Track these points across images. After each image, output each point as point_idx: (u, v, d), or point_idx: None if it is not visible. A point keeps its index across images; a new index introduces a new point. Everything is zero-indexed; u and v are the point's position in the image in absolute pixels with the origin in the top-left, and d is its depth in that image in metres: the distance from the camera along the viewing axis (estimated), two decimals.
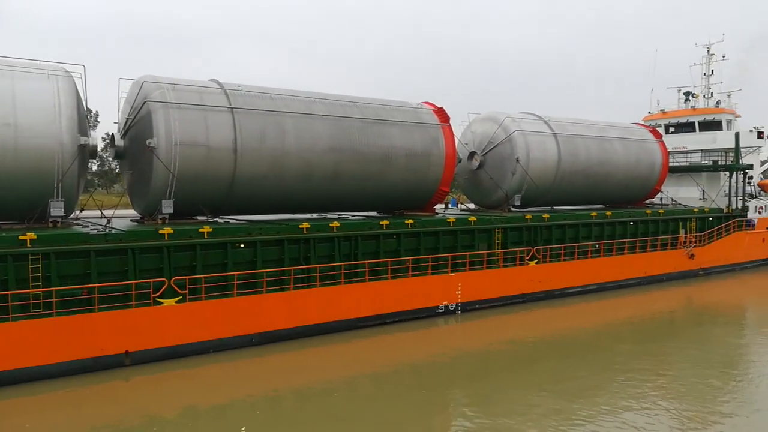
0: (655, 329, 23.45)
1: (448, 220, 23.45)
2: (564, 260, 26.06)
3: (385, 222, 21.52)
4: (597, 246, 27.54)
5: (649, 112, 40.16)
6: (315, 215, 23.63)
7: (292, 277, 18.60)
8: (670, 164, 36.29)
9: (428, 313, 22.00)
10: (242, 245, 18.16)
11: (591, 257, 27.04)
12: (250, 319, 17.72)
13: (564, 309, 24.85)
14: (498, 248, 24.44)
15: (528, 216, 25.74)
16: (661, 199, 35.22)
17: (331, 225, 20.10)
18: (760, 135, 37.55)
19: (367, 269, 20.32)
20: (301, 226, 19.39)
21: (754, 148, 37.22)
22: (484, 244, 24.35)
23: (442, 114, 24.89)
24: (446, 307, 22.40)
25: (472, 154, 28.28)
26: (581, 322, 23.74)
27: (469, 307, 22.95)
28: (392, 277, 20.98)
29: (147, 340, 16.16)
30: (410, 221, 22.27)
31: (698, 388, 15.59)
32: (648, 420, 13.33)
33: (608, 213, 28.68)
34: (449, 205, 32.37)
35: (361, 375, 16.90)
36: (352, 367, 17.60)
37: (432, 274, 22.11)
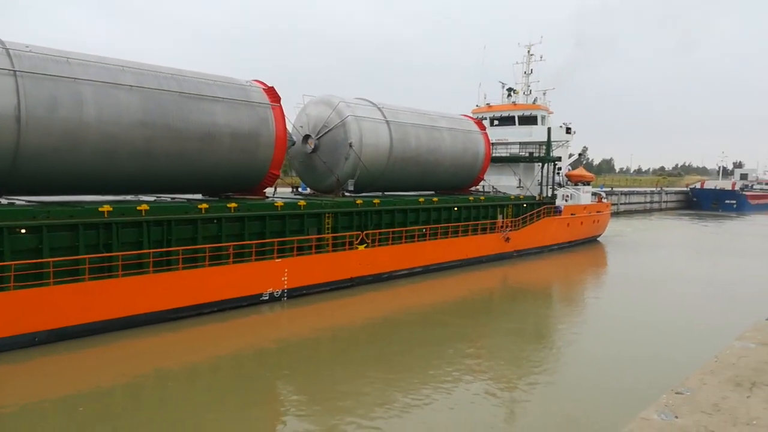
0: (476, 306, 25.32)
1: (275, 204, 22.66)
2: (392, 244, 26.71)
3: (204, 206, 20.11)
4: (424, 230, 28.66)
5: (477, 105, 42.89)
6: (130, 197, 21.37)
7: (87, 266, 16.50)
8: (493, 155, 39.12)
9: (252, 301, 21.11)
10: (23, 230, 15.65)
11: (418, 241, 28.07)
12: (32, 316, 15.38)
13: (391, 291, 25.53)
14: (328, 233, 24.25)
15: (359, 201, 25.89)
16: (483, 186, 37.82)
17: (138, 208, 18.21)
18: (568, 130, 42.05)
19: (181, 257, 18.82)
20: (101, 209, 17.26)
21: (563, 142, 41.57)
22: (314, 228, 24.00)
23: (272, 93, 23.86)
24: (271, 294, 21.68)
25: (306, 138, 27.70)
26: (407, 303, 24.58)
27: (296, 293, 22.48)
28: (211, 265, 19.71)
29: None
30: (233, 205, 21.09)
31: (513, 355, 17.53)
32: (469, 385, 14.76)
33: (435, 199, 29.99)
34: (299, 189, 31.37)
35: (173, 370, 15.58)
36: (163, 362, 16.18)
37: (257, 260, 21.22)
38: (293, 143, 26.56)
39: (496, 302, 26.92)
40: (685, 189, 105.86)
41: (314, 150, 27.51)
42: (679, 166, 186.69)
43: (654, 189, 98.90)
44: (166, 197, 22.60)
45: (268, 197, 24.69)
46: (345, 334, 20.08)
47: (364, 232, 25.48)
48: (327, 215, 24.31)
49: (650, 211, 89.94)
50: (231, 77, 23.77)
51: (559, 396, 14.50)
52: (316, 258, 23.22)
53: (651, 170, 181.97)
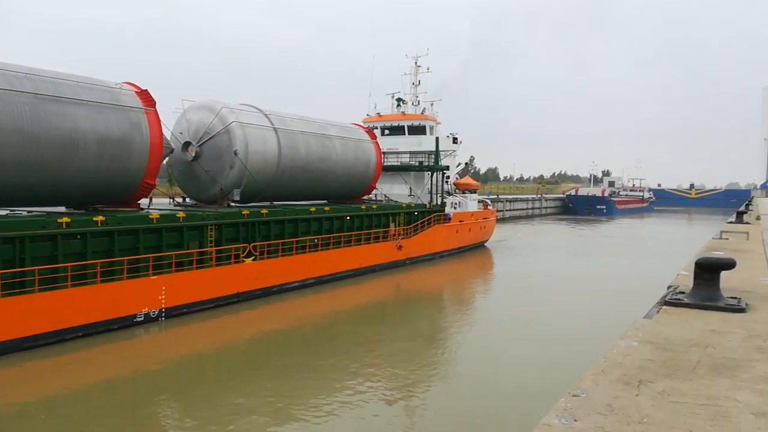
0: (371, 314, 25.21)
1: (150, 216, 20.89)
2: (282, 256, 25.71)
3: (65, 219, 18.02)
4: (316, 241, 27.94)
5: (368, 115, 43.03)
6: None
7: None
8: (384, 163, 39.34)
9: (124, 323, 19.19)
10: None
11: (309, 252, 27.29)
12: None
13: (282, 305, 24.52)
14: (211, 246, 22.78)
15: (245, 212, 24.65)
16: (375, 195, 37.86)
17: None
18: (455, 140, 43.37)
19: (36, 277, 16.64)
20: None
21: (450, 152, 42.79)
22: (195, 242, 22.44)
23: (146, 97, 22.10)
24: (147, 314, 19.88)
25: (186, 145, 26.00)
26: (300, 315, 23.84)
27: (175, 313, 20.80)
28: (74, 285, 17.65)
29: None
30: (101, 218, 19.12)
31: (407, 359, 17.71)
32: (368, 394, 14.71)
33: (327, 208, 29.40)
34: (187, 200, 28.89)
35: (32, 404, 13.62)
36: (21, 395, 14.14)
37: (129, 278, 19.36)
38: (171, 151, 24.82)
39: (391, 310, 26.87)
40: (562, 196, 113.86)
41: (195, 158, 25.88)
42: (556, 174, 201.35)
43: (535, 196, 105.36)
44: (22, 211, 20.06)
45: (142, 209, 22.77)
46: (233, 352, 18.85)
47: (251, 244, 24.27)
48: (210, 227, 22.85)
49: (532, 216, 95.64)
50: (98, 79, 21.71)
51: (456, 396, 14.87)
52: (197, 274, 21.68)
53: (531, 178, 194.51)
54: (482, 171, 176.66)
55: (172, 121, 26.90)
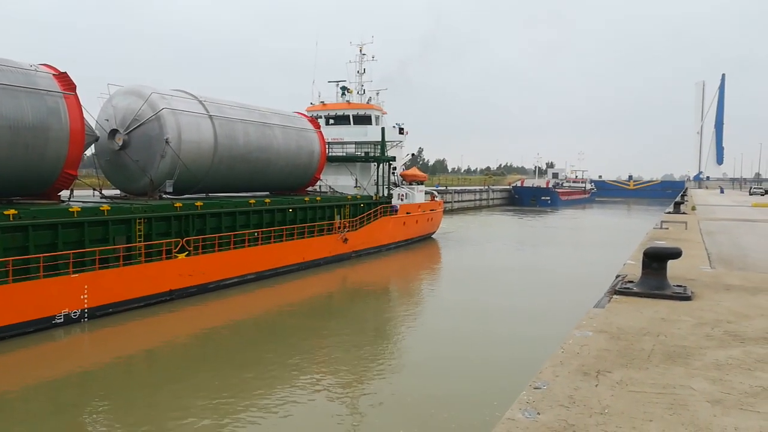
0: (315, 308, 24.43)
1: (70, 209, 19.26)
2: (219, 251, 24.43)
3: None
4: (256, 234, 26.75)
5: (311, 103, 41.83)
6: None
7: None
8: (329, 154, 38.34)
9: (41, 326, 17.61)
10: None
11: (249, 246, 26.08)
12: None
13: (219, 302, 23.29)
14: (140, 241, 21.30)
15: (178, 204, 23.23)
16: (320, 187, 36.84)
17: None
18: (401, 131, 42.78)
19: None
20: None
21: (396, 142, 42.17)
22: (122, 237, 20.92)
23: (65, 80, 20.36)
24: (67, 315, 18.33)
25: (113, 133, 24.28)
26: (238, 313, 22.77)
27: (99, 313, 19.30)
28: None
29: None
30: (12, 212, 17.43)
31: (354, 352, 17.25)
32: (315, 394, 14.22)
33: (267, 200, 28.21)
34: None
35: None
36: None
37: (46, 276, 17.76)
38: (96, 139, 23.13)
39: (337, 303, 26.16)
40: (508, 187, 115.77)
41: (123, 147, 24.20)
42: (502, 166, 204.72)
43: (482, 187, 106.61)
44: None
45: (63, 201, 21.05)
46: (166, 353, 17.71)
47: (185, 239, 22.90)
48: (138, 221, 21.35)
49: (480, 208, 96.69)
50: (10, 60, 19.81)
51: (406, 386, 14.67)
52: (124, 271, 20.19)
53: (479, 170, 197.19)
54: (431, 162, 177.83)
55: (99, 108, 25.13)
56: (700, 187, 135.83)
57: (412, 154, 50.26)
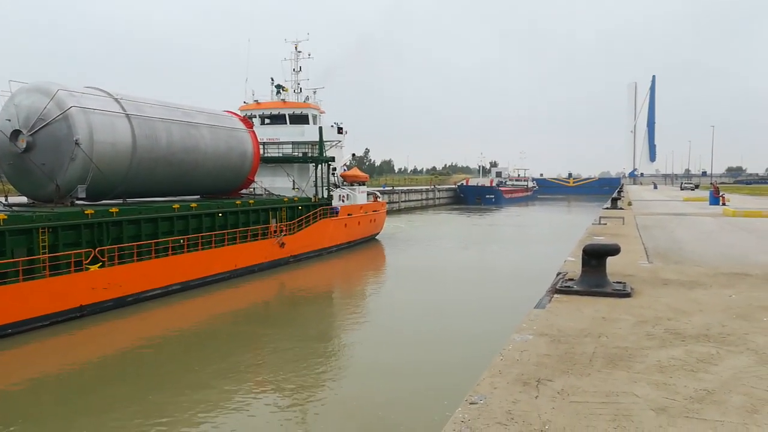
0: (250, 317, 23.03)
1: None
2: (138, 260, 22.48)
3: None
4: (181, 241, 24.89)
5: (245, 102, 39.96)
6: None
7: None
8: (264, 155, 36.67)
9: None
10: None
11: (173, 254, 24.20)
12: None
13: (140, 316, 21.41)
14: (44, 253, 19.17)
15: (89, 211, 21.16)
16: (254, 189, 35.10)
17: None
18: (340, 130, 41.52)
19: None
20: None
21: (335, 142, 40.87)
22: (22, 249, 18.76)
23: None
24: None
25: (16, 134, 21.95)
26: (163, 326, 21.07)
27: None
28: None
29: None
30: None
31: (296, 360, 16.48)
32: (254, 391, 14.02)
33: (193, 205, 26.34)
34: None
35: None
36: None
37: None
38: None
39: (273, 311, 24.86)
40: (453, 186, 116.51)
41: (27, 149, 21.92)
42: (447, 165, 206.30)
43: (428, 187, 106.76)
44: None
45: None
46: (80, 374, 15.93)
47: (97, 249, 20.86)
48: (42, 230, 19.22)
49: (426, 207, 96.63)
50: None
51: (357, 390, 14.26)
52: (24, 286, 18.04)
53: (425, 170, 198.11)
54: (377, 163, 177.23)
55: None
56: (635, 183, 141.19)
57: (354, 155, 49.02)
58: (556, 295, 7.34)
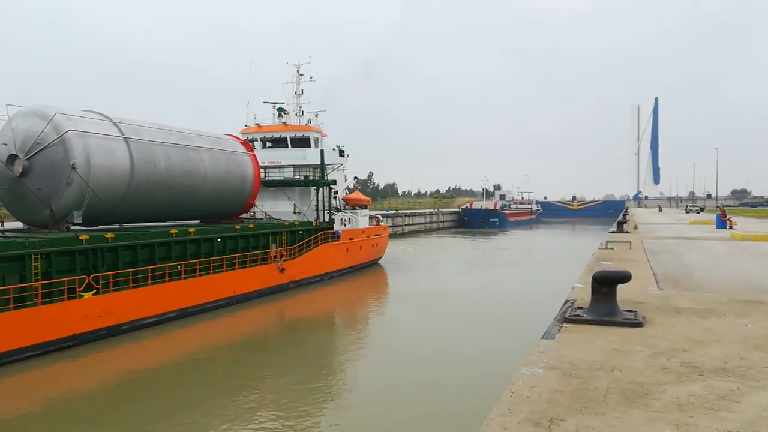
0: (249, 344, 22.42)
1: None
2: (134, 287, 21.96)
3: None
4: (178, 267, 24.40)
5: (246, 125, 39.86)
6: None
7: None
8: (265, 178, 36.38)
9: None
10: None
11: (170, 281, 23.69)
12: None
13: (134, 344, 20.80)
14: (36, 280, 18.69)
15: (84, 237, 20.75)
16: (254, 213, 34.70)
17: None
18: (342, 153, 41.30)
19: None
20: None
21: (337, 165, 40.59)
22: (14, 276, 18.30)
23: None
24: None
25: (12, 158, 21.70)
26: (158, 354, 20.58)
27: None
28: None
29: None
30: None
31: (296, 388, 16.17)
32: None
33: (191, 230, 25.92)
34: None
35: None
36: None
37: None
38: None
39: (273, 338, 24.23)
40: (457, 210, 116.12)
41: (24, 174, 21.64)
42: (451, 188, 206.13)
43: (432, 210, 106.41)
44: None
45: None
46: (69, 407, 15.28)
47: (92, 276, 20.39)
48: (35, 257, 18.78)
49: (430, 230, 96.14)
50: None
51: (359, 416, 14.04)
52: (14, 315, 17.53)
53: (428, 193, 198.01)
54: (381, 186, 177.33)
55: None
56: (639, 206, 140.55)
57: (356, 178, 48.75)
58: (565, 325, 7.13)
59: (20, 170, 21.67)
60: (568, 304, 8.57)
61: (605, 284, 7.37)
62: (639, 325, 7.07)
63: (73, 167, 21.58)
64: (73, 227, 22.58)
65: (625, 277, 7.51)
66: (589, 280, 7.75)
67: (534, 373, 4.91)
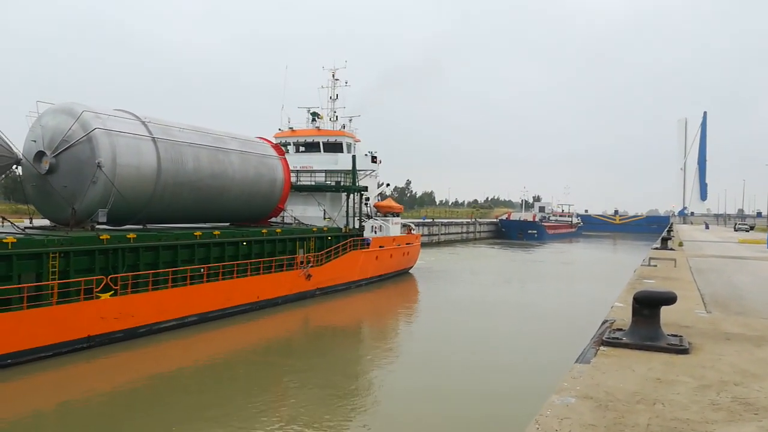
0: (272, 354, 21.67)
1: None
2: (153, 289, 21.54)
3: None
4: (201, 270, 23.92)
5: (280, 129, 39.52)
6: None
7: None
8: (297, 183, 35.86)
9: None
10: None
11: (190, 284, 23.21)
12: None
13: (151, 348, 20.37)
14: (54, 279, 18.41)
15: (104, 236, 20.44)
16: (283, 218, 34.18)
17: None
18: (374, 159, 40.48)
19: None
20: None
21: (369, 171, 39.78)
22: (30, 274, 18.05)
23: None
24: None
25: (40, 155, 21.66)
26: (176, 359, 20.07)
27: None
28: None
29: None
30: None
31: (320, 397, 15.86)
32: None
33: (216, 232, 25.45)
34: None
35: None
36: None
37: None
38: (16, 161, 20.59)
39: (296, 345, 23.37)
40: (495, 220, 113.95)
41: (50, 171, 21.55)
42: (489, 198, 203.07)
43: (469, 220, 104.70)
44: None
45: None
46: (81, 411, 14.83)
47: (110, 276, 20.03)
48: (53, 255, 18.51)
49: (467, 240, 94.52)
50: None
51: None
52: (27, 314, 17.23)
53: (466, 203, 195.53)
54: (418, 194, 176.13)
55: (27, 128, 22.59)
56: (684, 223, 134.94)
57: (388, 184, 47.76)
58: (602, 348, 6.58)
59: (47, 167, 21.58)
60: (606, 324, 7.99)
61: (647, 305, 6.73)
62: (685, 351, 6.47)
63: (99, 166, 21.35)
64: (98, 226, 22.37)
65: (669, 299, 6.86)
66: (630, 299, 7.06)
67: (565, 403, 4.51)
